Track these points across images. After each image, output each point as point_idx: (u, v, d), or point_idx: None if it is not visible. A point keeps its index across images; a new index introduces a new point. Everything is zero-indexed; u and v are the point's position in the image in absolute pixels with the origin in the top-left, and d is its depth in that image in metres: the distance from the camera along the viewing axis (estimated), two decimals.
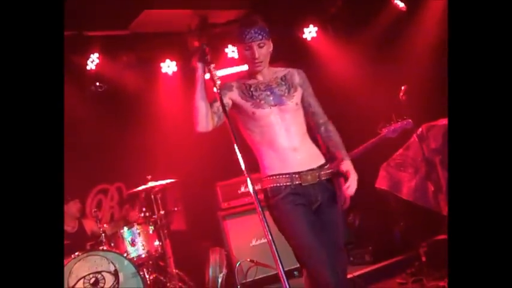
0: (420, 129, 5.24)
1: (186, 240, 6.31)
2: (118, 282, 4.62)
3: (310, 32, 6.77)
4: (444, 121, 5.28)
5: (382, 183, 5.71)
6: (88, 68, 6.03)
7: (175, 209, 5.86)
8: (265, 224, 2.36)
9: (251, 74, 2.94)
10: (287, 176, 2.79)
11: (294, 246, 2.76)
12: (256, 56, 2.80)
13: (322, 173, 2.86)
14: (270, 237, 2.34)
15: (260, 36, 2.80)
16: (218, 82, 2.64)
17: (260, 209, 2.39)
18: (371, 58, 6.31)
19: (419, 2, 6.00)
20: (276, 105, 2.81)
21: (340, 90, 6.47)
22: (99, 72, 6.16)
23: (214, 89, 2.64)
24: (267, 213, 2.60)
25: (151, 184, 5.30)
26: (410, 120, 4.37)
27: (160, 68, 6.43)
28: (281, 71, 2.98)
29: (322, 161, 2.91)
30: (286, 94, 2.88)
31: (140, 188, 5.34)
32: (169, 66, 6.41)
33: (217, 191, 6.17)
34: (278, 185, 2.80)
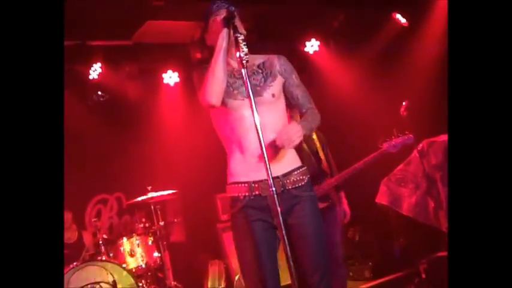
0: (421, 145, 5.25)
1: (185, 252, 6.29)
2: None
3: (312, 46, 6.80)
4: (445, 137, 5.28)
5: (382, 198, 5.70)
6: (90, 77, 6.04)
7: (175, 220, 5.83)
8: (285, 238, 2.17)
9: None
10: (245, 185, 2.47)
11: (240, 265, 2.53)
12: None
13: (288, 181, 2.49)
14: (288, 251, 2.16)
15: (226, 5, 2.51)
16: (246, 58, 2.24)
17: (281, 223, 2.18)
18: (372, 73, 6.34)
19: (421, 18, 6.03)
20: (249, 97, 2.31)
21: (341, 104, 6.49)
22: (101, 81, 6.17)
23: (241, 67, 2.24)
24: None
25: (151, 195, 5.29)
26: (411, 136, 4.36)
27: (162, 78, 6.44)
28: (259, 58, 2.64)
29: (292, 166, 2.54)
30: (261, 84, 2.54)
31: (140, 199, 5.33)
32: (171, 77, 6.42)
33: (217, 203, 6.17)
34: (235, 195, 2.50)
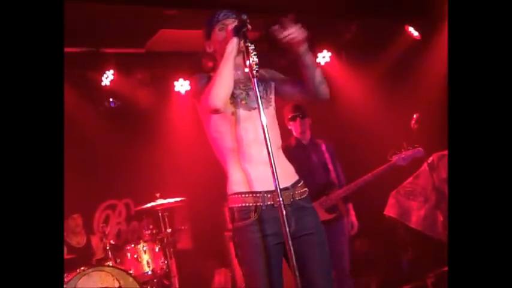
0: (431, 158, 5.23)
1: (192, 260, 6.29)
2: None
3: (324, 57, 6.80)
4: None
5: (391, 210, 5.67)
6: (103, 84, 6.11)
7: (183, 227, 5.84)
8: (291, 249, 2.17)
9: None
10: (257, 195, 2.40)
11: (244, 277, 2.48)
12: None
13: (297, 192, 2.49)
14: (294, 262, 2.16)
15: (234, 16, 2.52)
16: (256, 67, 2.24)
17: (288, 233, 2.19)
18: (384, 85, 6.33)
19: (434, 32, 6.03)
20: (256, 108, 2.33)
21: (351, 116, 6.49)
22: (114, 88, 6.23)
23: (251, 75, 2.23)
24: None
25: (159, 202, 5.30)
26: (421, 149, 4.35)
27: (174, 86, 6.48)
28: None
29: (295, 178, 2.55)
30: (265, 96, 2.54)
31: (148, 205, 5.34)
32: (182, 85, 6.45)
33: (225, 212, 6.16)
34: (246, 205, 2.42)
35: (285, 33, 2.39)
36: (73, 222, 5.49)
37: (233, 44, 2.39)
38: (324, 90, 2.59)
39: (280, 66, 4.28)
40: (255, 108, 2.40)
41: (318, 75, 2.52)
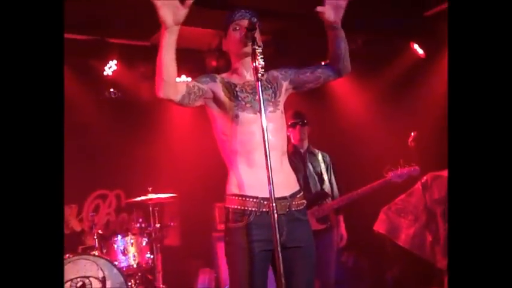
0: (425, 178, 5.23)
1: (178, 257, 6.28)
2: None
3: None
4: None
5: (380, 226, 5.68)
6: (105, 73, 6.10)
7: (171, 224, 5.83)
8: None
9: (237, 68, 2.59)
10: (254, 200, 2.42)
11: (229, 277, 2.49)
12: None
13: (294, 203, 2.49)
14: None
15: (249, 15, 2.50)
16: (262, 71, 2.24)
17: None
18: (385, 100, 6.34)
19: (438, 51, 6.04)
20: (261, 111, 2.30)
21: (350, 128, 6.50)
22: (115, 79, 6.22)
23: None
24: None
25: (150, 196, 5.30)
26: (417, 168, 4.36)
27: None
28: (265, 74, 2.57)
29: (295, 188, 2.55)
30: (272, 99, 2.54)
31: (139, 199, 5.33)
32: None
33: (215, 212, 6.15)
34: (241, 208, 2.43)
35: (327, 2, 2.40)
36: (68, 211, 5.49)
37: (172, 34, 2.33)
38: (348, 64, 2.64)
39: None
40: (260, 111, 2.38)
41: (347, 48, 2.58)
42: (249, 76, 2.55)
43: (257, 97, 2.28)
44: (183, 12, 2.22)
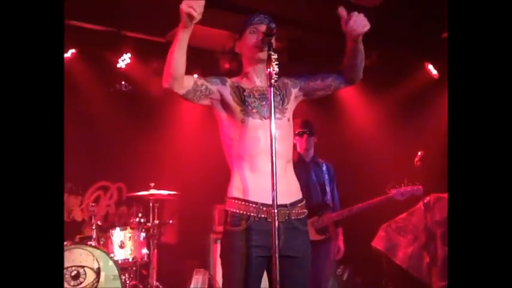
0: (428, 198, 5.21)
1: (174, 255, 6.27)
2: (98, 281, 4.58)
3: None
4: None
5: (378, 243, 5.66)
6: (118, 65, 6.13)
7: (170, 221, 5.83)
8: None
9: (248, 72, 2.59)
10: (253, 205, 2.41)
11: (222, 279, 2.48)
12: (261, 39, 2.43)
13: (294, 211, 2.47)
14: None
15: (268, 21, 2.46)
16: (275, 77, 2.24)
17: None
18: (394, 116, 6.33)
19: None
20: (268, 118, 2.28)
21: (357, 142, 6.49)
22: (128, 72, 6.24)
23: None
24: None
25: (152, 191, 5.30)
26: (421, 187, 4.34)
27: None
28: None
29: (297, 197, 2.53)
30: (280, 106, 2.52)
31: (140, 193, 5.34)
32: None
33: (215, 213, 6.15)
34: (239, 212, 2.42)
35: (355, 18, 2.38)
36: (72, 201, 5.51)
37: (187, 30, 2.33)
38: (361, 72, 2.62)
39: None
40: (267, 118, 2.38)
41: (363, 59, 2.57)
42: (259, 82, 2.56)
43: (268, 102, 2.28)
44: (201, 3, 2.24)
